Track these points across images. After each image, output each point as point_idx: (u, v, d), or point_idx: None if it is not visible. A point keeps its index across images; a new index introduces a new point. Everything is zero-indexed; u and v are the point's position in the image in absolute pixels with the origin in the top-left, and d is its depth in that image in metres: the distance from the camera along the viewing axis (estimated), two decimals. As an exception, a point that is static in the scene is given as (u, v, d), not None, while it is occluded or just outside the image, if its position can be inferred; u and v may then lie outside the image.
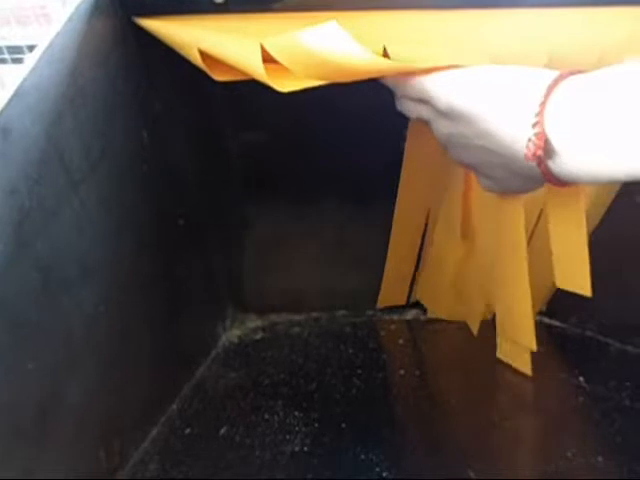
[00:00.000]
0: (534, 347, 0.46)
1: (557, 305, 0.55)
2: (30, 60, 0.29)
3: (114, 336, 0.38)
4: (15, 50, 1.24)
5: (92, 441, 0.35)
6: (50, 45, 0.31)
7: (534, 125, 0.29)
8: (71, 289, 0.32)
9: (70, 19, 0.33)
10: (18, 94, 0.27)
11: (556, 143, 0.29)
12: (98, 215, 0.36)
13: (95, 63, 0.36)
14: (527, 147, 0.30)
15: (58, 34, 0.31)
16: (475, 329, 0.54)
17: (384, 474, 0.37)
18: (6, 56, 1.24)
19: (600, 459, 0.39)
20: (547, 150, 0.29)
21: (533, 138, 0.29)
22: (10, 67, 1.23)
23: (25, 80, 0.28)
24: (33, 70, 0.29)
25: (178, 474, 0.39)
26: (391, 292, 0.58)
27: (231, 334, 0.57)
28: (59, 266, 0.31)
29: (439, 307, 0.57)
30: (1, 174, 0.27)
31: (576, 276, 0.39)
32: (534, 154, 0.30)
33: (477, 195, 0.46)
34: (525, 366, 0.48)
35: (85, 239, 0.34)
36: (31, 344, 0.29)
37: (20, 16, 1.22)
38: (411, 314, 0.59)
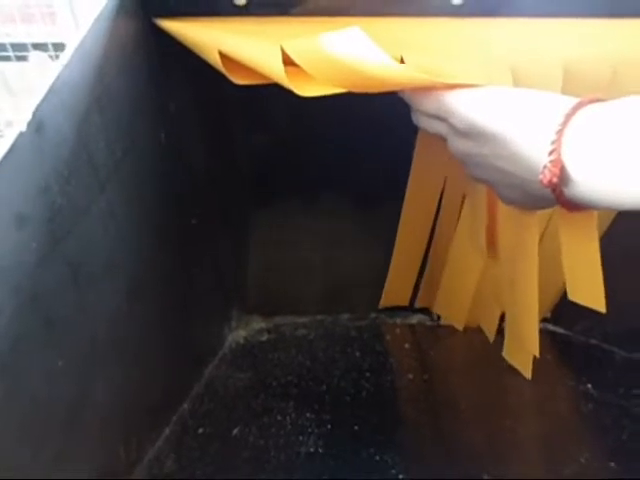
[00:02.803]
0: (537, 352, 0.47)
1: (562, 312, 0.55)
2: (63, 57, 0.29)
3: (134, 335, 0.38)
4: (19, 48, 1.23)
5: (114, 438, 0.35)
6: (81, 43, 0.31)
7: (551, 152, 0.30)
8: (97, 286, 0.32)
9: (98, 18, 0.33)
10: (53, 90, 0.27)
11: (572, 171, 0.29)
12: (121, 213, 0.36)
13: (119, 63, 0.36)
14: (543, 173, 0.30)
15: (88, 33, 0.32)
16: (491, 336, 0.55)
17: (400, 476, 0.38)
18: (10, 54, 1.23)
19: (613, 465, 0.39)
20: (562, 177, 0.30)
21: (549, 165, 0.30)
22: (14, 65, 1.22)
23: (59, 77, 0.28)
24: (66, 67, 0.29)
25: (194, 471, 0.39)
26: (394, 293, 0.59)
27: (237, 335, 0.57)
28: (87, 264, 0.31)
29: (456, 316, 0.57)
30: (35, 170, 0.27)
31: (590, 291, 0.39)
32: (549, 181, 0.30)
33: (502, 206, 0.47)
34: (526, 369, 0.49)
35: (110, 237, 0.34)
36: (61, 342, 0.29)
37: (25, 14, 1.22)
38: (416, 318, 0.59)
